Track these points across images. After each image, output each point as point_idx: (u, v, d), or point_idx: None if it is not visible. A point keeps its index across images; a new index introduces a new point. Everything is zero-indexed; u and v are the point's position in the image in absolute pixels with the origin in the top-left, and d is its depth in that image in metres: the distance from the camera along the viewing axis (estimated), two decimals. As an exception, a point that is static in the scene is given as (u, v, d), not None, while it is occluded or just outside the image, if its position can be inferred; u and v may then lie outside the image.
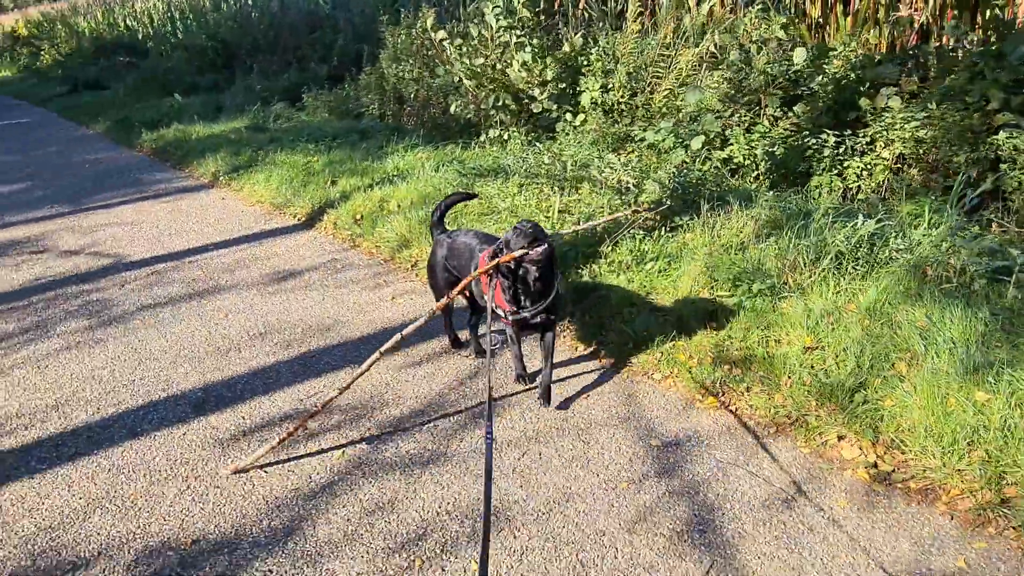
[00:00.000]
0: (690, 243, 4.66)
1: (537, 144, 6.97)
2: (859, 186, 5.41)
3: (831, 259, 4.06)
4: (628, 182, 5.53)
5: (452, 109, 8.24)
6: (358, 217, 6.21)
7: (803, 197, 5.29)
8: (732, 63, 6.25)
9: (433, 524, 2.74)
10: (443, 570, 2.53)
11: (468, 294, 3.85)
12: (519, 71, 7.53)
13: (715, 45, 6.90)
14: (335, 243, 6.04)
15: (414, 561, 2.57)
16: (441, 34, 8.36)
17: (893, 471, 2.85)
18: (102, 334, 4.46)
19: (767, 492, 2.81)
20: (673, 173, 5.30)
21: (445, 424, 3.38)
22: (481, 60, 7.78)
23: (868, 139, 5.57)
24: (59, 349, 4.29)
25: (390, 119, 9.75)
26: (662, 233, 4.82)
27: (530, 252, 3.09)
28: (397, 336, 3.10)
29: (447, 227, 4.05)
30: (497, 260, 3.16)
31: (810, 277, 4.03)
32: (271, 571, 2.55)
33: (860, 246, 4.16)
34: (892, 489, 2.78)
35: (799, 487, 2.83)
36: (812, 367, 3.38)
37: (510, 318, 3.32)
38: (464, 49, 7.92)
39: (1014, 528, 2.52)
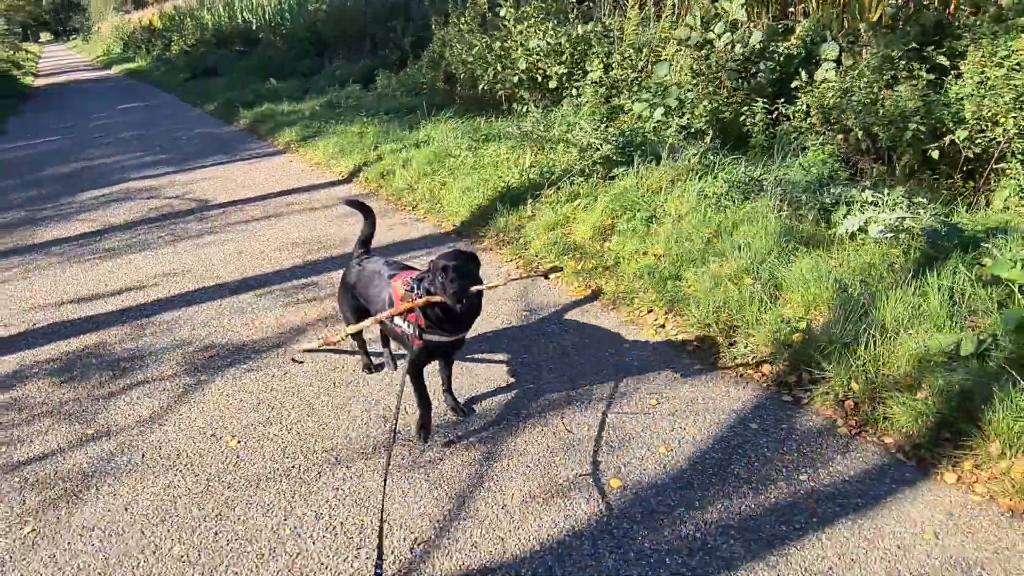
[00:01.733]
0: (618, 187, 5.85)
1: (530, 114, 8.21)
2: (782, 145, 6.40)
3: (706, 197, 5.18)
4: (592, 142, 6.75)
5: (480, 87, 9.63)
6: (384, 173, 7.73)
7: (732, 154, 6.32)
8: (695, 43, 7.28)
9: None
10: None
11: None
12: (524, 55, 8.82)
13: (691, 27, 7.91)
14: (364, 192, 7.58)
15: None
16: (464, 26, 9.76)
17: (672, 329, 4.03)
18: (181, 248, 6.19)
19: (586, 336, 4.07)
20: (619, 134, 6.48)
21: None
22: (498, 45, 9.11)
23: (806, 107, 6.53)
24: (150, 257, 6.03)
25: (441, 96, 11.24)
26: (598, 180, 6.04)
27: (454, 304, 2.92)
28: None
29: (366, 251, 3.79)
30: (425, 300, 2.98)
31: (688, 209, 5.16)
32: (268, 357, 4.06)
33: (736, 187, 5.25)
34: (667, 339, 3.98)
35: (606, 335, 4.06)
36: (653, 267, 4.57)
37: (424, 338, 3.04)
38: (485, 38, 9.29)
39: (730, 358, 3.68)
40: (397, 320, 3.17)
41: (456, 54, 10.57)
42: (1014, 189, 4.94)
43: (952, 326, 3.36)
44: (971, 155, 5.28)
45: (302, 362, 4.05)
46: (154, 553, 2.72)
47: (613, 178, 6.12)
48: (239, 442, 3.37)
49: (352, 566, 2.58)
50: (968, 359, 3.13)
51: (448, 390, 3.48)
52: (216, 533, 2.80)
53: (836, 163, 5.85)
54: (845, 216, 4.54)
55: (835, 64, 6.68)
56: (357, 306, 3.60)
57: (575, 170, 6.29)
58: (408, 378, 3.16)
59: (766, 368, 3.53)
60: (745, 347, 3.68)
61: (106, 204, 7.88)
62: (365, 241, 3.78)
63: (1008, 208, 4.91)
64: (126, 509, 2.97)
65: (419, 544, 2.66)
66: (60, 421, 3.65)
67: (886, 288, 3.76)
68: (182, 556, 2.69)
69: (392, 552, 2.62)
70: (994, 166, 5.18)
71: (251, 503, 2.95)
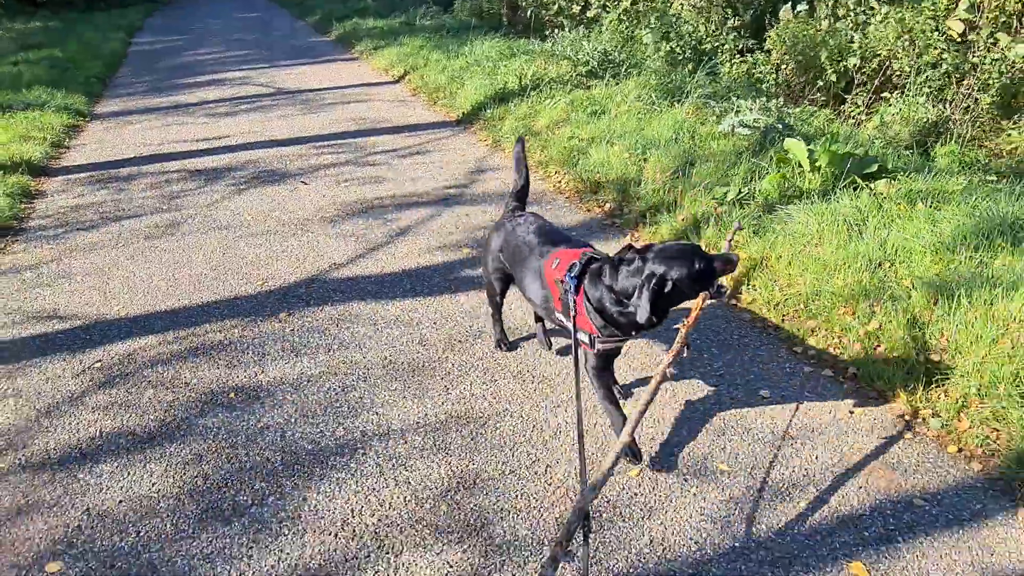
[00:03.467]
0: (587, 93, 7.25)
1: (560, 36, 9.56)
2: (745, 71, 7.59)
3: (640, 99, 6.54)
4: (587, 59, 8.13)
5: (528, 13, 11.01)
6: (424, 77, 9.37)
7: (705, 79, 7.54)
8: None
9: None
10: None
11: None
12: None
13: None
14: (405, 91, 9.28)
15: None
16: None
17: (564, 183, 5.53)
18: (254, 118, 8.12)
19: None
20: (600, 52, 7.83)
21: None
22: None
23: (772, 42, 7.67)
24: (230, 122, 7.99)
25: (500, 20, 12.65)
26: (572, 87, 7.45)
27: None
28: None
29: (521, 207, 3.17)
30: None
31: (626, 109, 6.54)
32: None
33: (667, 95, 6.57)
34: (558, 189, 5.49)
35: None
36: (575, 146, 6.02)
37: (599, 347, 2.56)
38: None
39: (595, 203, 5.17)
40: (558, 314, 2.71)
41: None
42: (886, 116, 6.06)
43: (738, 184, 4.72)
44: (864, 82, 6.38)
45: (308, 184, 5.85)
46: (199, 257, 4.57)
47: (589, 87, 7.52)
48: (251, 217, 5.20)
49: (294, 273, 4.33)
50: (731, 202, 4.51)
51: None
52: (225, 253, 4.62)
53: (774, 85, 7.04)
54: (726, 117, 5.83)
55: (808, 5, 7.75)
56: (503, 274, 3.10)
57: (563, 79, 7.72)
58: (597, 395, 2.68)
59: (608, 206, 5.02)
60: (599, 193, 5.16)
61: (207, 85, 9.94)
62: (519, 194, 3.17)
63: (880, 128, 6.05)
64: (182, 244, 4.85)
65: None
66: (151, 202, 5.60)
67: (714, 163, 5.10)
68: (207, 262, 4.53)
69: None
70: (878, 95, 6.28)
71: (248, 244, 4.76)
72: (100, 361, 3.45)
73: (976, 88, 6.11)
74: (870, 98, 6.46)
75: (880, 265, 3.60)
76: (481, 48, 10.19)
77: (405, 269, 4.32)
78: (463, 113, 7.75)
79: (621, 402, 2.80)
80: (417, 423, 2.92)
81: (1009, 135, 5.66)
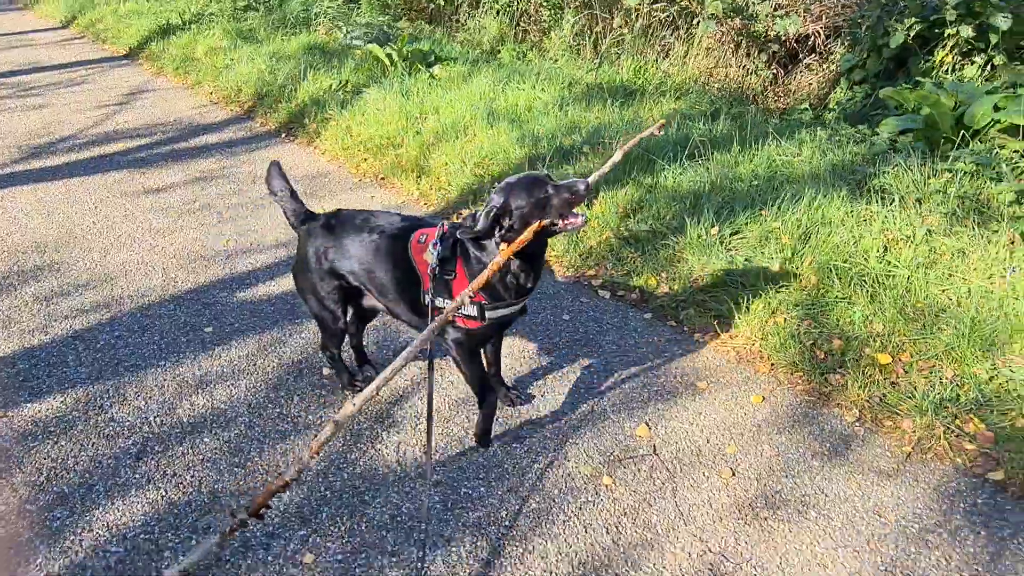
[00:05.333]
0: (244, 24, 8.35)
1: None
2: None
3: (288, 24, 7.82)
4: (246, -4, 9.15)
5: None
6: (92, 20, 9.77)
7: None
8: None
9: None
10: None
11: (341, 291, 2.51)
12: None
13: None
14: (72, 33, 9.65)
15: None
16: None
17: (214, 94, 6.72)
18: (-97, 65, 8.12)
19: (165, 99, 6.67)
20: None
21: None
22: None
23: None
24: None
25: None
26: (227, 20, 8.52)
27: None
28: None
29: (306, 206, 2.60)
30: (538, 225, 2.10)
31: (273, 33, 7.78)
32: None
33: (307, 20, 7.92)
34: (221, 98, 6.67)
35: (180, 99, 6.67)
36: (225, 64, 7.18)
37: (488, 316, 2.24)
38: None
39: (237, 105, 6.42)
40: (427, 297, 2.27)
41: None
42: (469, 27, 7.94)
43: (339, 78, 6.26)
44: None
45: (-29, 113, 6.42)
46: None
47: (247, 19, 8.61)
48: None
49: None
50: (332, 89, 6.04)
51: (498, 374, 2.73)
52: None
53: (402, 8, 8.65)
54: (347, 34, 7.34)
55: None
56: (341, 288, 2.50)
57: (223, 13, 8.72)
58: (465, 372, 2.40)
59: (247, 105, 6.33)
60: (240, 97, 6.46)
61: None
62: (296, 197, 2.56)
63: (468, 36, 7.92)
64: None
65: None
66: None
67: (331, 66, 6.58)
68: None
69: None
70: (471, 11, 8.19)
71: None
72: None
73: (537, 5, 8.22)
74: (467, 15, 8.35)
75: (417, 117, 5.35)
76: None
77: (66, 162, 5.30)
78: (130, 48, 8.47)
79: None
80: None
81: (550, 39, 7.81)
